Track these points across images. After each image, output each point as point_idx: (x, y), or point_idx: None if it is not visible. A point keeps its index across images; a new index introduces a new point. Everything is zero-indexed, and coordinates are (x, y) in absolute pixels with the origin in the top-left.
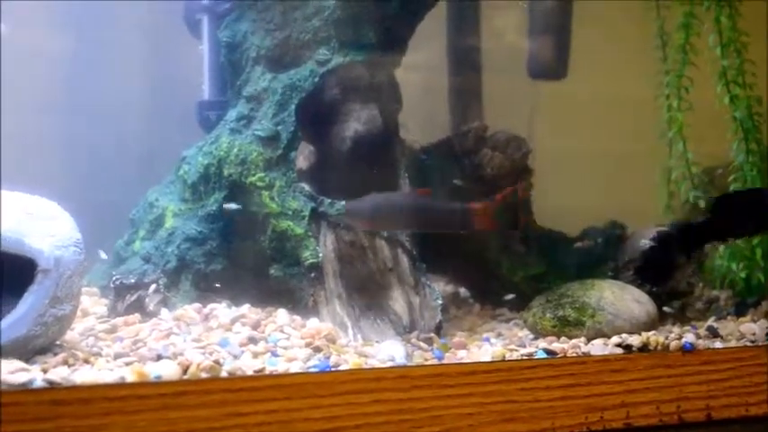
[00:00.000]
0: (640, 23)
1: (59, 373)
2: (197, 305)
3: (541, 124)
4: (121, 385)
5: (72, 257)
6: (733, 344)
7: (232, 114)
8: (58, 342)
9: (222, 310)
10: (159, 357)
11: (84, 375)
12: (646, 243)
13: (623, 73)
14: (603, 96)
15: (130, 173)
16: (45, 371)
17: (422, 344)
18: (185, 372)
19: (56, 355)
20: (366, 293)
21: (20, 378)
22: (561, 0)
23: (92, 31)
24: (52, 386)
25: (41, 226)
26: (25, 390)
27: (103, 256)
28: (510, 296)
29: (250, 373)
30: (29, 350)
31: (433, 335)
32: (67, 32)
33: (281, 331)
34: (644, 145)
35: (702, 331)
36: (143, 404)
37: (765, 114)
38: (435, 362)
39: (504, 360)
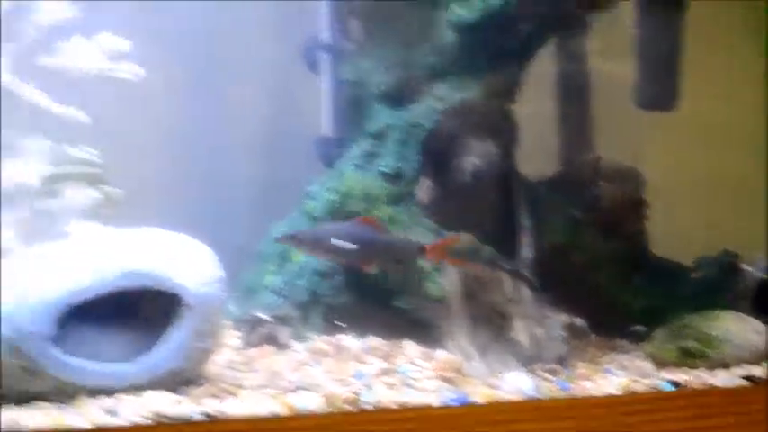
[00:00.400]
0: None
1: (212, 406)
2: (326, 337)
3: (651, 151)
4: (274, 418)
5: (215, 294)
6: None
7: (356, 151)
8: (200, 373)
9: (350, 341)
10: (298, 389)
11: (233, 407)
12: (760, 272)
13: (735, 96)
14: (714, 120)
15: (252, 208)
16: (198, 403)
17: (547, 375)
18: (328, 404)
19: (200, 386)
20: (490, 325)
21: (178, 411)
22: (669, 22)
23: (211, 67)
24: (210, 419)
25: (187, 263)
26: (185, 422)
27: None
28: (640, 327)
29: (390, 405)
30: (176, 382)
31: (557, 366)
32: (186, 70)
33: (412, 363)
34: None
35: None
36: None
37: None
38: (562, 393)
39: (632, 393)
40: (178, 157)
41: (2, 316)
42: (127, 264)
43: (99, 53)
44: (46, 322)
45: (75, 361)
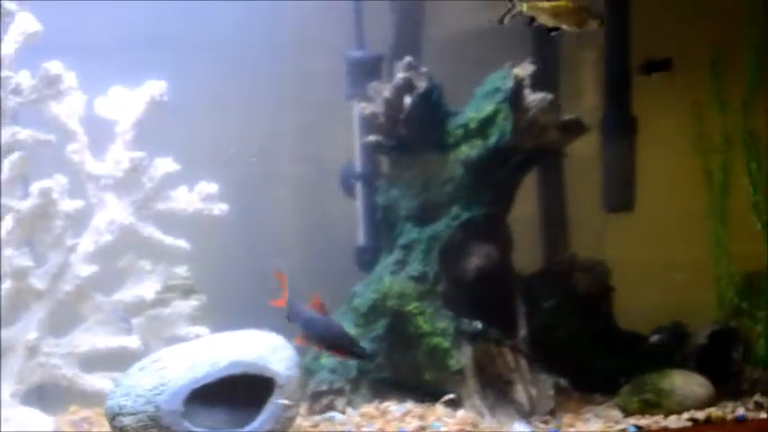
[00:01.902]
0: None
1: None
2: (374, 404)
3: (616, 245)
4: None
5: (296, 375)
6: None
7: (390, 259)
8: None
9: (394, 407)
10: None
11: None
12: (703, 339)
13: (677, 192)
14: (661, 214)
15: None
16: None
17: (541, 424)
18: None
19: None
20: (497, 389)
21: None
22: (625, 145)
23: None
24: None
25: (276, 354)
26: None
27: None
28: (623, 380)
29: None
30: None
31: (548, 417)
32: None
33: (440, 420)
34: (698, 255)
35: (751, 405)
36: None
37: None
38: None
39: None
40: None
41: (146, 399)
42: (234, 357)
43: (197, 196)
44: (178, 402)
45: (201, 430)
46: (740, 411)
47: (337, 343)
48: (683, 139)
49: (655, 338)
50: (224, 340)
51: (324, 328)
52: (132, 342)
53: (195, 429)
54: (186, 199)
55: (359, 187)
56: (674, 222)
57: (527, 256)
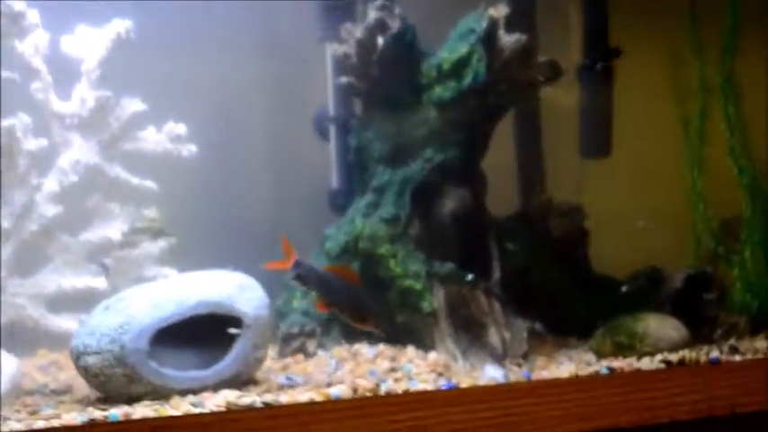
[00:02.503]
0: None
1: (266, 398)
2: (346, 346)
3: (593, 190)
4: (314, 403)
5: (265, 315)
6: (749, 356)
7: (363, 202)
8: (254, 377)
9: (365, 349)
10: (329, 385)
11: (282, 398)
12: (678, 283)
13: (658, 141)
14: (642, 163)
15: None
16: (257, 396)
17: (514, 367)
18: (355, 392)
19: (256, 385)
20: (470, 332)
21: (244, 401)
22: (603, 90)
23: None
24: (267, 406)
25: (244, 294)
26: (250, 409)
27: None
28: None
29: (401, 392)
30: (238, 383)
31: (522, 360)
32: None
33: (411, 362)
34: (678, 203)
35: (725, 348)
36: (330, 416)
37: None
38: (526, 379)
39: (578, 375)
40: (209, 208)
41: (111, 338)
42: (200, 296)
43: (165, 137)
44: (143, 342)
45: (166, 370)
46: (714, 354)
47: (362, 312)
48: (660, 86)
49: (625, 288)
50: (191, 280)
51: (348, 294)
52: (100, 283)
53: (161, 370)
54: (154, 139)
55: (332, 130)
56: (651, 169)
57: (503, 201)
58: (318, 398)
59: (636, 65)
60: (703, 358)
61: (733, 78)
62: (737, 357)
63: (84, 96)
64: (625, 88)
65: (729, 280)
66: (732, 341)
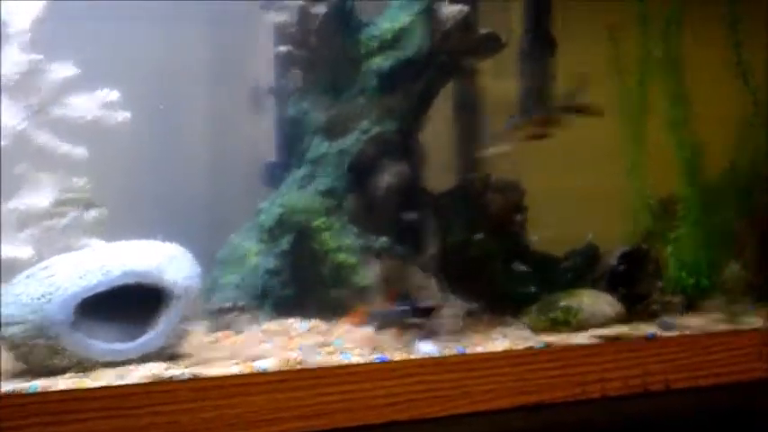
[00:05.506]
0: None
1: (193, 370)
2: (278, 321)
3: (532, 168)
4: (240, 375)
5: (194, 286)
6: (684, 332)
7: (298, 174)
8: (182, 350)
9: (298, 324)
10: (258, 358)
11: (211, 371)
12: (614, 261)
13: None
14: (580, 140)
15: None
16: (183, 368)
17: (447, 344)
18: (283, 365)
19: (185, 358)
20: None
21: (169, 373)
22: (542, 50)
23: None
24: (195, 377)
25: (173, 264)
26: (175, 380)
27: None
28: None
29: (330, 364)
30: (165, 357)
31: (456, 336)
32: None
33: (343, 337)
34: (615, 182)
35: (660, 324)
36: (258, 389)
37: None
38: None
39: (511, 350)
40: (142, 181)
41: (33, 308)
42: (127, 266)
43: (96, 104)
44: (66, 312)
45: (90, 341)
46: (650, 331)
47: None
48: (601, 62)
49: (568, 261)
50: (119, 249)
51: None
52: (24, 252)
53: (85, 341)
54: (85, 106)
55: (269, 101)
56: (590, 146)
57: (440, 175)
58: (246, 371)
59: (577, 39)
60: (637, 334)
61: (677, 50)
62: (672, 333)
63: (13, 59)
64: (566, 63)
65: (664, 257)
66: (667, 318)
